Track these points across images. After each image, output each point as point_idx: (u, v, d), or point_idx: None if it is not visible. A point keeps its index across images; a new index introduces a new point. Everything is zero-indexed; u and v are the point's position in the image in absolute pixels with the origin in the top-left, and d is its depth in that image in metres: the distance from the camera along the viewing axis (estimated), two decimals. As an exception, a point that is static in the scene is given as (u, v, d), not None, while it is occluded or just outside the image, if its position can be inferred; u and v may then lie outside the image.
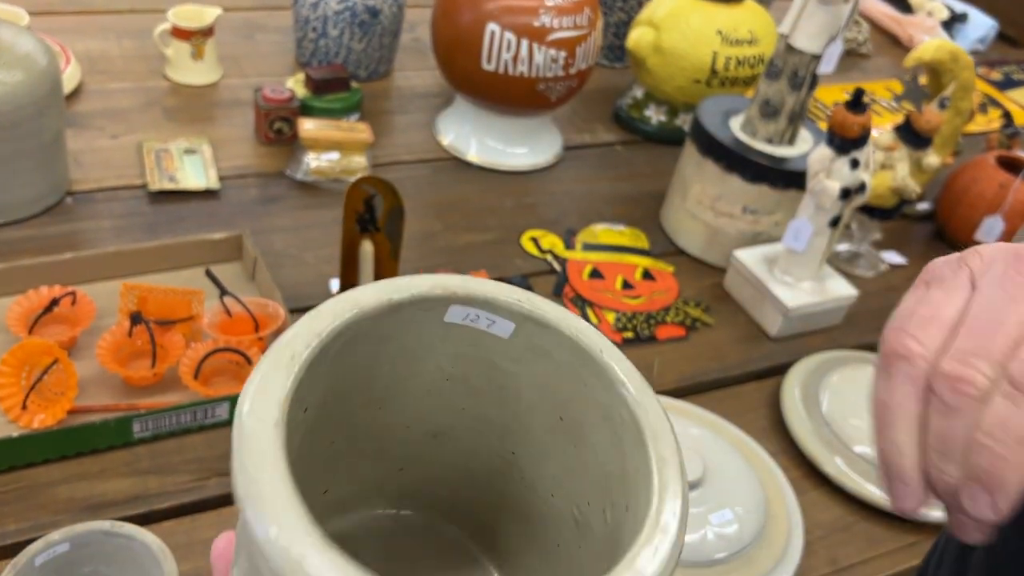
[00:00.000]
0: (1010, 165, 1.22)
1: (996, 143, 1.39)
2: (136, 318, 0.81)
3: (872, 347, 1.03)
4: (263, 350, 0.85)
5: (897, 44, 1.83)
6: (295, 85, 1.20)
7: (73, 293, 0.84)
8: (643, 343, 0.99)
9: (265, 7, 1.44)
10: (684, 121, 1.33)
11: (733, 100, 1.15)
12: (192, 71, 1.23)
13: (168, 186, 1.03)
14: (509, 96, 1.15)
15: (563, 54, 1.12)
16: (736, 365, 0.98)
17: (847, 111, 0.93)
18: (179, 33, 1.20)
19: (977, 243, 1.24)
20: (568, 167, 1.26)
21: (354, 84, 1.22)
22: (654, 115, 1.33)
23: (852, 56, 1.73)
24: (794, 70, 1.02)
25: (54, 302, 0.83)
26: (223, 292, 0.86)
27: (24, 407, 0.74)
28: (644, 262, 1.10)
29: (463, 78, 1.16)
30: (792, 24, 1.00)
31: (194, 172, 1.06)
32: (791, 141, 1.08)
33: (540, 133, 1.25)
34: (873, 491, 0.85)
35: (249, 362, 0.81)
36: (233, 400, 0.77)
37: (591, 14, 1.14)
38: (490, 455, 0.42)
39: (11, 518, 0.69)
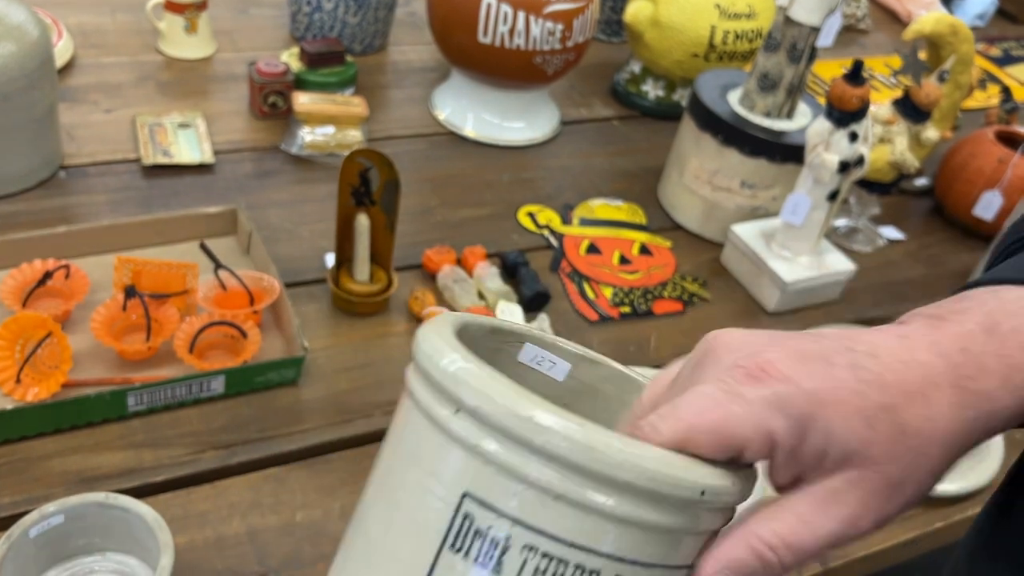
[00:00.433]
0: (1009, 140, 1.22)
1: (995, 118, 1.38)
2: (130, 291, 0.80)
3: (870, 322, 1.03)
4: (258, 323, 0.84)
5: (896, 20, 1.82)
6: (290, 59, 1.19)
7: (67, 266, 0.83)
8: (640, 318, 0.98)
9: (259, -19, 1.43)
10: (682, 96, 1.32)
11: (731, 74, 1.14)
12: (186, 45, 1.21)
13: (162, 160, 1.02)
14: (506, 69, 1.14)
15: (560, 26, 1.11)
16: (733, 340, 0.98)
17: (846, 83, 0.93)
18: (172, 6, 1.19)
19: (975, 218, 1.22)
20: (565, 142, 1.25)
21: (349, 58, 1.21)
22: (652, 90, 1.32)
23: (851, 32, 1.72)
24: (792, 43, 1.01)
25: (47, 275, 0.82)
26: (218, 265, 0.86)
27: (18, 380, 0.74)
28: (641, 237, 1.10)
29: (459, 51, 1.15)
30: (791, -4, 0.99)
31: (188, 146, 1.05)
32: (789, 115, 1.07)
33: (537, 107, 1.24)
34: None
35: (244, 335, 0.81)
36: (228, 373, 0.77)
37: (588, -13, 1.13)
38: None
39: (5, 491, 0.69)
